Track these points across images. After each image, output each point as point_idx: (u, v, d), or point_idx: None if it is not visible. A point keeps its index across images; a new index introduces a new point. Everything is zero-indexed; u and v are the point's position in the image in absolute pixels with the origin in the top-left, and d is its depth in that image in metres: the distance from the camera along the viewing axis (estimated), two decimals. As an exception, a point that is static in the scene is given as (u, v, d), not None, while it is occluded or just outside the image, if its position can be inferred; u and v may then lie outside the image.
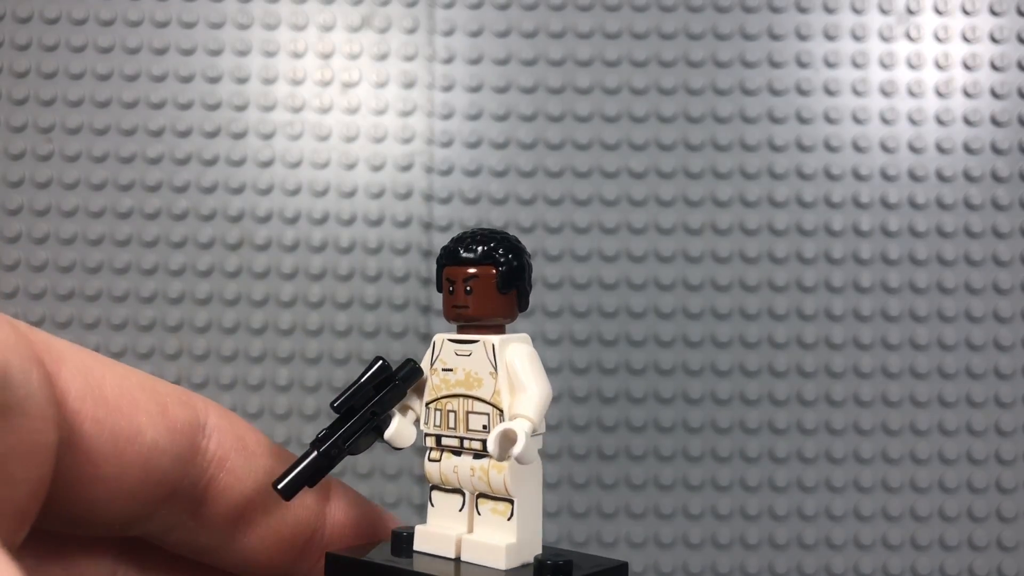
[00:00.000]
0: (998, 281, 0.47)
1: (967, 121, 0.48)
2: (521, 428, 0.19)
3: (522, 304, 0.22)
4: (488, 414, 0.21)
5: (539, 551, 0.21)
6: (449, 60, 0.48)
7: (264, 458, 0.21)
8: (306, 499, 0.21)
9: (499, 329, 0.22)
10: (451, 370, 0.21)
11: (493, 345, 0.21)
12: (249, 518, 0.21)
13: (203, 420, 0.20)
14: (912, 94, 0.48)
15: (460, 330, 0.22)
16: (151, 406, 0.19)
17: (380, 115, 0.48)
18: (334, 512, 0.22)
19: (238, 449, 0.20)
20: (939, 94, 0.48)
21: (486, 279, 0.21)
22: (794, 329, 0.47)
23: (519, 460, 0.19)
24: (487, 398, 0.21)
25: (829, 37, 0.48)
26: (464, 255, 0.21)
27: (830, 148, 0.48)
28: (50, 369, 0.17)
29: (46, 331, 0.18)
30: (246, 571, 0.21)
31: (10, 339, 0.16)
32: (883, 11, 0.49)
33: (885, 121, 0.48)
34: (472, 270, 0.21)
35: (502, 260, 0.21)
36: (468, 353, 0.21)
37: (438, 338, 0.22)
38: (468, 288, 0.21)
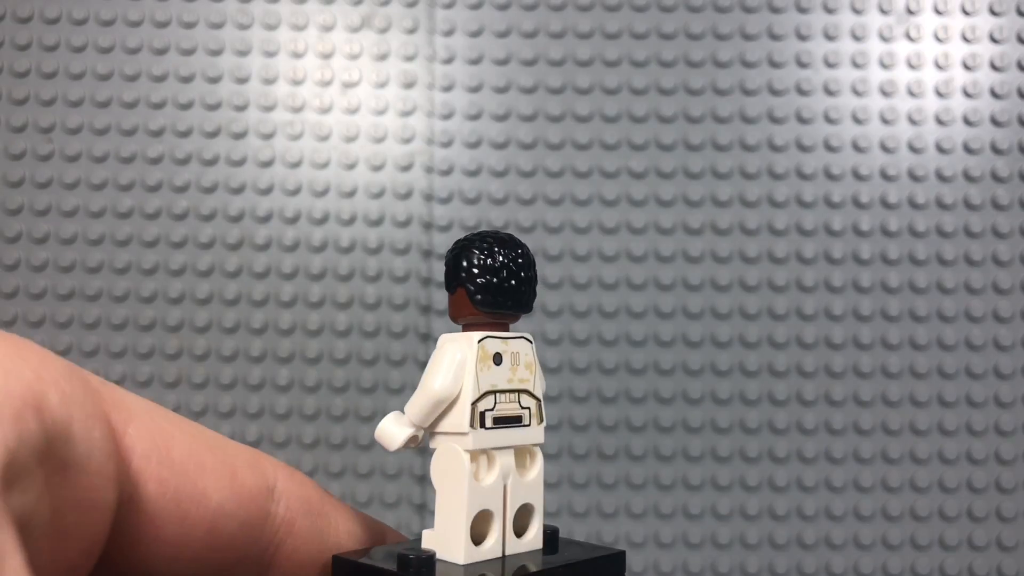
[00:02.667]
0: (998, 281, 0.47)
1: (967, 121, 0.48)
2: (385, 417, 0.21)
3: (474, 301, 0.22)
4: None
5: (460, 544, 0.21)
6: (449, 60, 0.48)
7: (328, 518, 0.21)
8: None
9: (463, 328, 0.22)
10: None
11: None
12: None
13: (272, 484, 0.20)
14: (912, 94, 0.48)
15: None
16: (219, 468, 0.19)
17: (380, 115, 0.48)
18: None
19: (305, 512, 0.20)
20: (939, 94, 0.48)
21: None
22: (794, 329, 0.47)
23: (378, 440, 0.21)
24: None
25: (829, 37, 0.48)
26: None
27: (830, 148, 0.48)
28: (117, 426, 0.17)
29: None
30: None
31: (76, 393, 0.16)
32: (883, 11, 0.49)
33: (885, 121, 0.48)
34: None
35: (445, 259, 0.22)
36: None
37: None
38: None
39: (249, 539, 0.19)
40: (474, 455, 0.21)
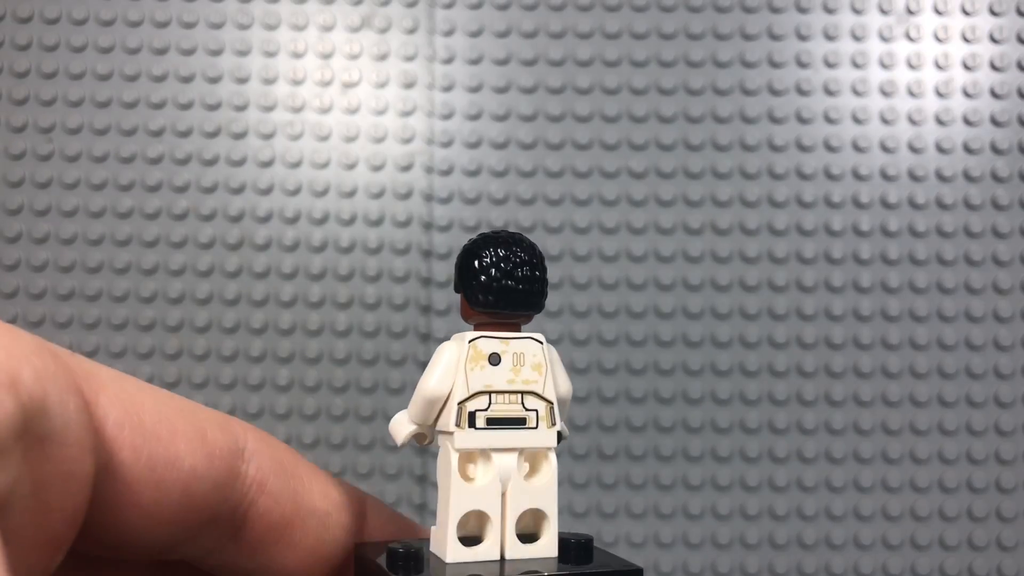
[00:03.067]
0: (998, 281, 0.47)
1: (967, 121, 0.48)
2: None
3: (471, 301, 0.22)
4: None
5: (447, 543, 0.21)
6: (449, 60, 0.48)
7: (302, 479, 0.21)
8: (344, 519, 0.21)
9: (474, 328, 0.22)
10: None
11: None
12: (289, 540, 0.21)
13: (242, 445, 0.20)
14: (912, 94, 0.48)
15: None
16: (190, 432, 0.19)
17: (380, 115, 0.48)
18: (371, 531, 0.22)
19: (277, 472, 0.21)
20: (939, 94, 0.48)
21: None
22: (794, 329, 0.47)
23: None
24: None
25: (829, 37, 0.48)
26: None
27: (830, 148, 0.48)
28: (89, 397, 0.17)
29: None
30: None
31: (49, 368, 0.16)
32: (883, 11, 0.49)
33: (885, 121, 0.48)
34: None
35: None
36: None
37: None
38: None
39: (220, 499, 0.19)
40: (467, 455, 0.21)
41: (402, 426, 0.22)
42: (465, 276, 0.22)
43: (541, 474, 0.22)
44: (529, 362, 0.21)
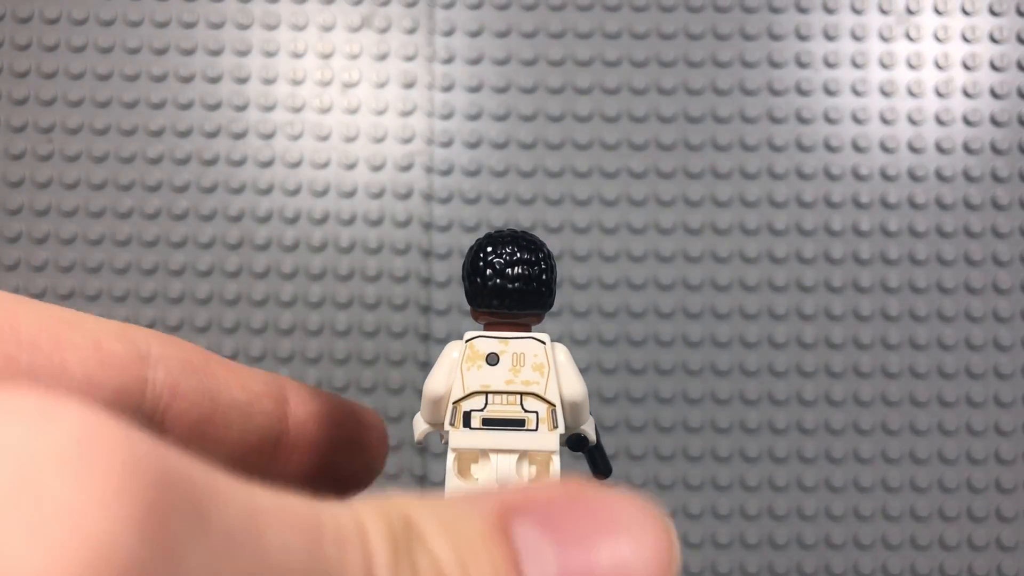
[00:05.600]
0: (998, 281, 0.47)
1: (967, 121, 0.48)
2: None
3: (468, 300, 0.22)
4: None
5: None
6: (449, 60, 0.48)
7: (216, 376, 0.20)
8: (266, 406, 0.21)
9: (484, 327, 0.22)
10: None
11: None
12: (213, 436, 0.20)
13: (145, 351, 0.19)
14: (912, 94, 0.48)
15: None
16: (79, 341, 0.18)
17: (380, 115, 0.48)
18: (295, 412, 0.22)
19: (187, 373, 0.20)
20: (939, 94, 0.48)
21: None
22: (794, 329, 0.47)
23: None
24: None
25: (829, 37, 0.48)
26: None
27: (830, 148, 0.48)
28: None
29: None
30: None
31: None
32: (883, 11, 0.49)
33: (885, 121, 0.48)
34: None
35: None
36: None
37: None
38: None
39: (127, 407, 0.19)
40: (468, 455, 0.21)
41: (417, 424, 0.22)
42: (465, 276, 0.22)
43: (542, 478, 0.21)
44: (530, 363, 0.21)
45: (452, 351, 0.21)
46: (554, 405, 0.21)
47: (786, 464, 0.47)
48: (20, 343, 0.17)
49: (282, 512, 0.11)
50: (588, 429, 0.23)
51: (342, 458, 0.22)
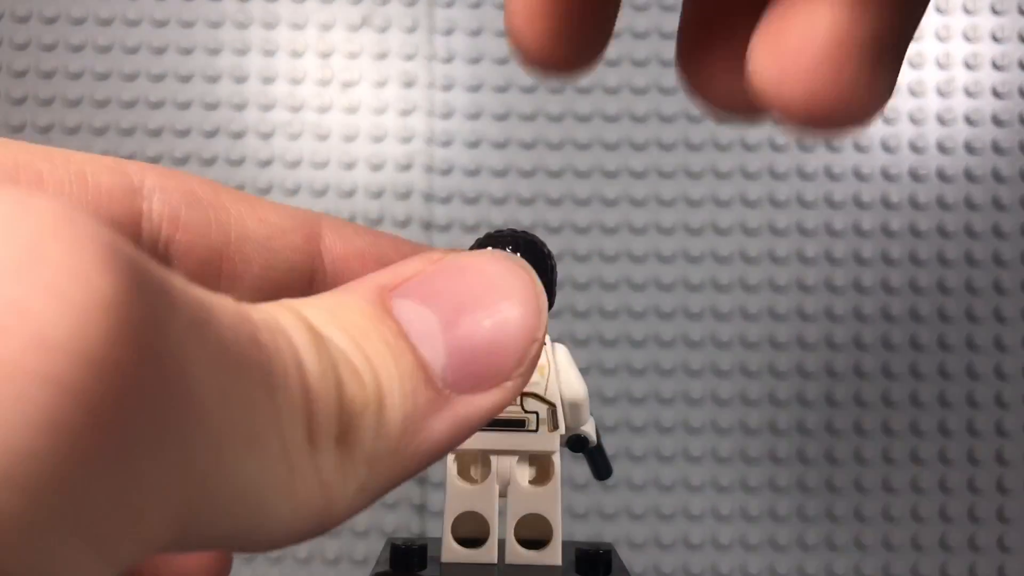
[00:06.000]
0: (999, 281, 0.47)
1: (968, 121, 0.48)
2: None
3: None
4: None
5: (446, 537, 0.21)
6: (449, 60, 0.48)
7: (225, 207, 0.19)
8: (293, 239, 0.20)
9: None
10: None
11: None
12: (230, 272, 0.19)
13: (138, 183, 0.18)
14: (913, 93, 0.48)
15: None
16: (61, 174, 0.17)
17: (380, 115, 0.48)
18: (331, 248, 0.20)
19: (190, 203, 0.19)
20: (940, 93, 0.48)
21: None
22: (795, 329, 0.47)
23: None
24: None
25: (830, 36, 0.48)
26: None
27: (831, 148, 0.48)
28: None
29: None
30: None
31: None
32: (884, 10, 0.48)
33: (886, 121, 0.48)
34: None
35: None
36: None
37: None
38: None
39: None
40: (468, 456, 0.21)
41: None
42: None
43: (542, 478, 0.21)
44: None
45: None
46: (554, 406, 0.21)
47: (787, 465, 0.47)
48: None
49: (225, 306, 0.11)
50: (588, 430, 0.23)
51: None
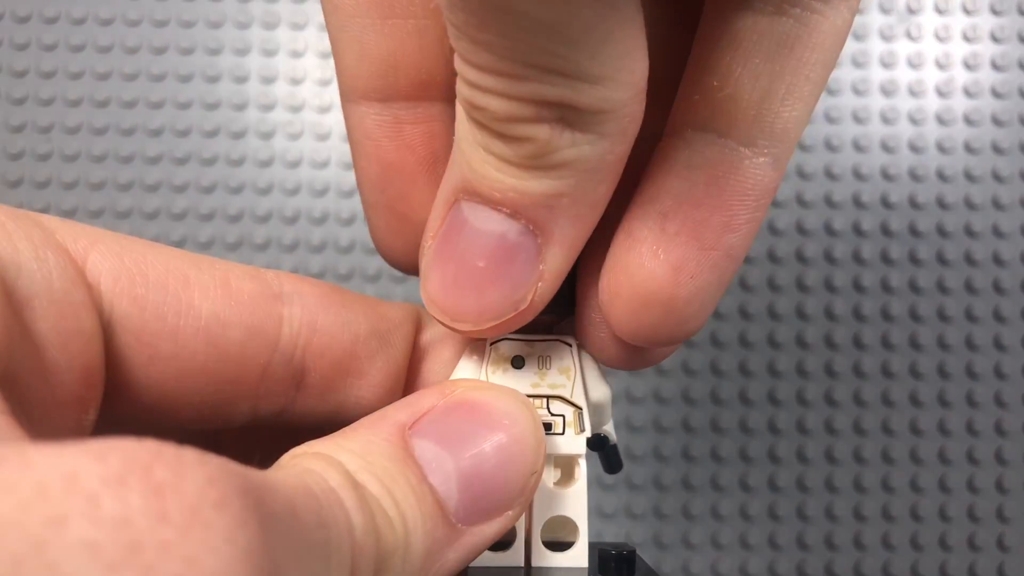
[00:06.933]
0: (999, 281, 0.47)
1: (968, 121, 0.48)
2: None
3: None
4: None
5: None
6: (449, 59, 0.48)
7: (353, 308, 0.20)
8: (407, 331, 0.21)
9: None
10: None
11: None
12: (358, 371, 0.20)
13: (277, 289, 0.19)
14: (913, 93, 0.48)
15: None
16: (207, 280, 0.18)
17: (380, 115, 0.48)
18: (431, 335, 0.22)
19: (325, 307, 0.20)
20: (940, 94, 0.48)
21: None
22: (794, 329, 0.47)
23: None
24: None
25: (830, 37, 0.48)
26: None
27: (831, 148, 0.48)
28: (76, 255, 0.17)
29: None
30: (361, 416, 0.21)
31: (18, 227, 0.15)
32: (884, 10, 0.48)
33: (886, 121, 0.48)
34: None
35: None
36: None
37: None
38: None
39: (263, 346, 0.19)
40: None
41: None
42: None
43: (568, 481, 0.21)
44: (556, 366, 0.20)
45: (474, 353, 0.21)
46: (581, 409, 0.21)
47: (787, 465, 0.47)
48: (148, 285, 0.17)
49: (295, 490, 0.13)
50: (610, 429, 0.22)
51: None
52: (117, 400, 0.17)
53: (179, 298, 0.18)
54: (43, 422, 0.15)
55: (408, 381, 0.21)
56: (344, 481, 0.15)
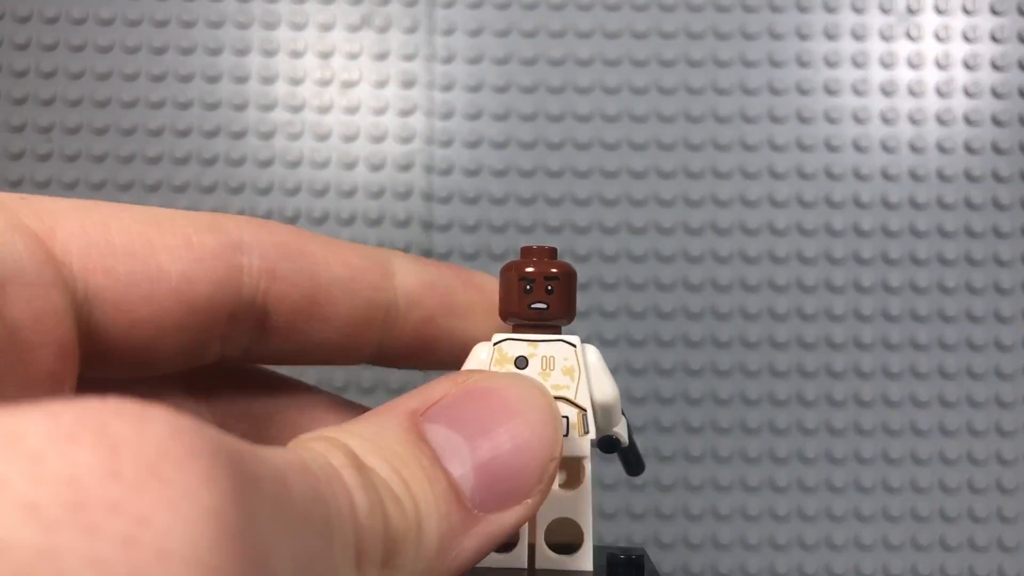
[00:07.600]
0: (999, 281, 0.47)
1: (968, 121, 0.48)
2: None
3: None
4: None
5: None
6: (449, 60, 0.48)
7: (314, 255, 0.21)
8: (371, 278, 0.21)
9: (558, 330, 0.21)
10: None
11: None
12: (320, 315, 0.20)
13: (236, 239, 0.20)
14: (913, 94, 0.48)
15: (524, 329, 0.21)
16: (170, 240, 0.19)
17: (380, 115, 0.48)
18: (403, 283, 0.22)
19: (283, 255, 0.20)
20: (940, 94, 0.48)
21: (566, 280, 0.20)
22: (794, 329, 0.47)
23: None
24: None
25: (829, 36, 0.48)
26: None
27: (831, 148, 0.48)
28: (42, 234, 0.17)
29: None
30: (333, 362, 0.21)
31: None
32: (883, 10, 0.48)
33: (886, 121, 0.48)
34: (555, 269, 0.21)
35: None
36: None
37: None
38: (549, 288, 0.21)
39: (228, 296, 0.19)
40: None
41: None
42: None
43: (573, 483, 0.21)
44: (560, 366, 0.20)
45: (480, 352, 0.21)
46: (585, 410, 0.21)
47: (787, 465, 0.47)
48: (117, 256, 0.18)
49: (292, 466, 0.13)
50: (620, 431, 0.22)
51: (455, 323, 0.23)
52: (98, 366, 0.18)
53: (148, 264, 0.18)
54: (17, 400, 0.15)
55: (393, 328, 0.22)
56: (347, 461, 0.14)
